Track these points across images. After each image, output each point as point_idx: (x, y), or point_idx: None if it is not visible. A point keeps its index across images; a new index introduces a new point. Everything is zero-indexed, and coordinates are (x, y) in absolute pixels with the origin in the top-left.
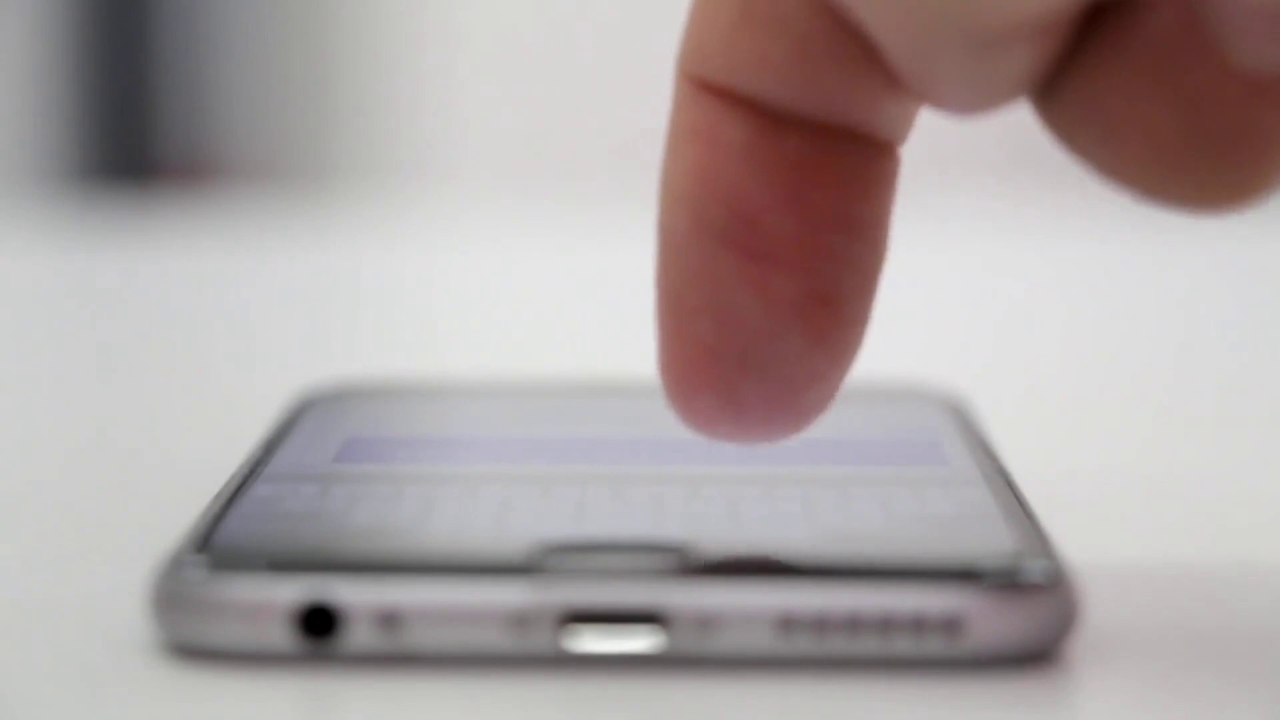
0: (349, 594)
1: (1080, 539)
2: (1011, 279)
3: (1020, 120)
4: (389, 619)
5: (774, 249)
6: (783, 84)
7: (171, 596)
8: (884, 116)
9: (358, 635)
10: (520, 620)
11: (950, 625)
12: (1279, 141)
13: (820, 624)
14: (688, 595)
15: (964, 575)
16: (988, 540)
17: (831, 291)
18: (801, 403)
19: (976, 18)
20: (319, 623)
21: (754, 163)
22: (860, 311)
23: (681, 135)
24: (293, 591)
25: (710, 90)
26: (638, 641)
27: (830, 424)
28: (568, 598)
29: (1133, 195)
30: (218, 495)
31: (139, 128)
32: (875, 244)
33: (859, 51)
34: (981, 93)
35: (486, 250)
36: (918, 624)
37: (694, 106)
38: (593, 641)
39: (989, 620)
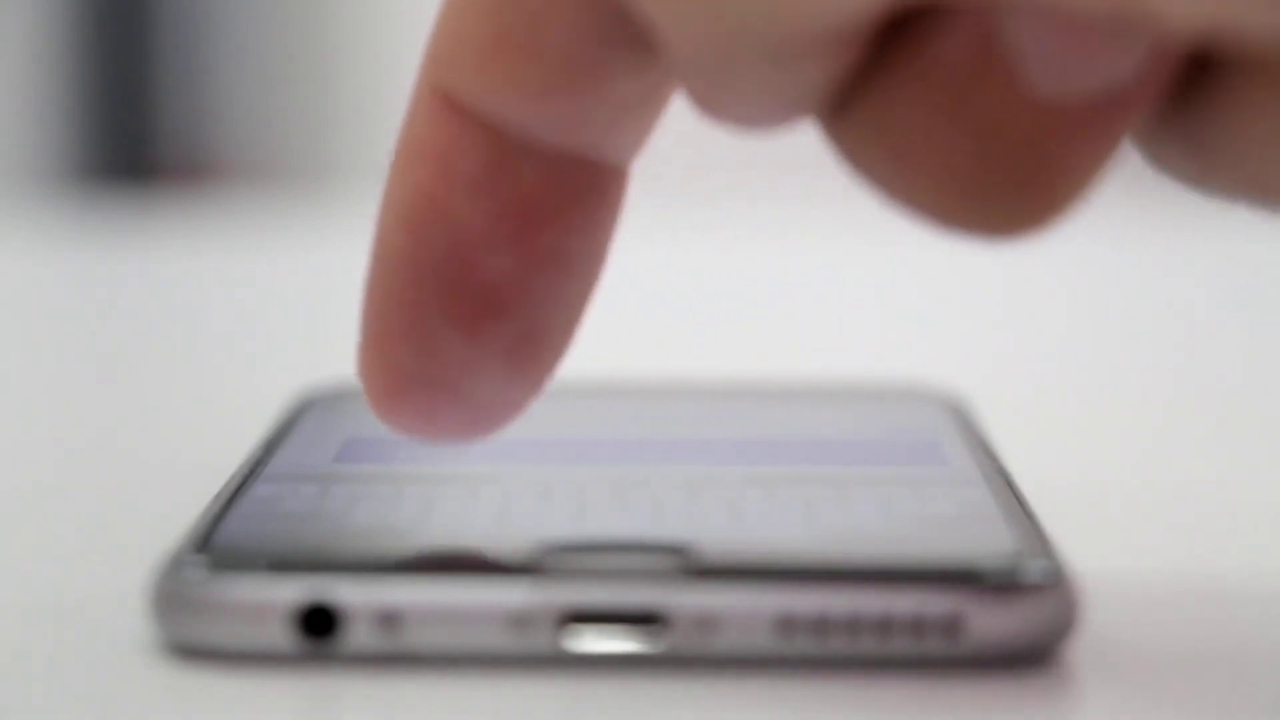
0: (349, 594)
1: (1080, 539)
2: (1011, 279)
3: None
4: (389, 619)
5: (489, 293)
6: (533, 108)
7: (171, 596)
8: (626, 137)
9: (358, 635)
10: (520, 620)
11: (950, 625)
12: (1070, 170)
13: (820, 624)
14: (688, 595)
15: (964, 575)
16: (988, 540)
17: (539, 331)
18: (493, 421)
19: (777, 26)
20: (319, 623)
21: (483, 195)
22: (562, 343)
23: (413, 152)
24: (293, 591)
25: (452, 107)
26: (638, 641)
27: (830, 424)
28: (568, 598)
29: (920, 221)
30: (218, 495)
31: (139, 128)
32: (589, 279)
33: (616, 70)
34: (771, 107)
35: None
36: (917, 624)
37: (431, 122)
38: (593, 641)
39: (989, 620)
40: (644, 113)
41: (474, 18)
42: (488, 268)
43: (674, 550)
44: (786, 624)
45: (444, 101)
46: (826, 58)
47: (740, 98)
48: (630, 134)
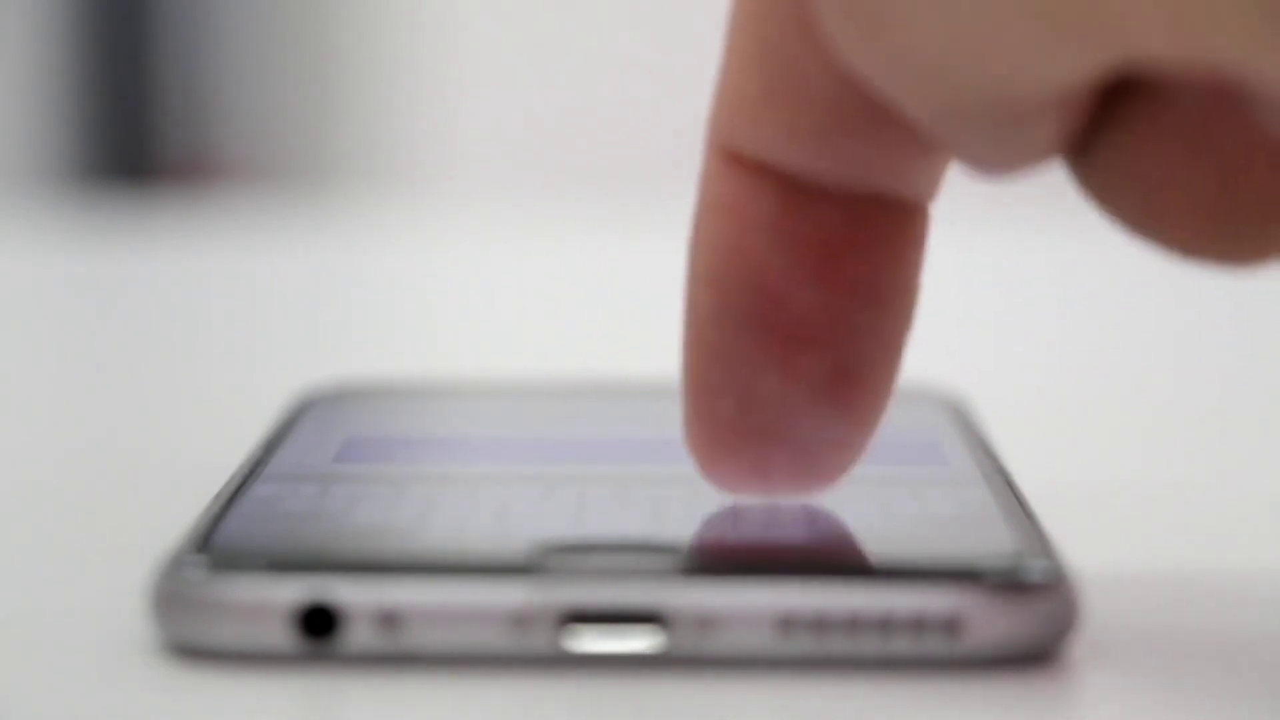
0: (349, 594)
1: (1080, 539)
2: (1011, 279)
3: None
4: (389, 619)
5: (800, 328)
6: (812, 154)
7: (171, 596)
8: (914, 179)
9: (358, 635)
10: (520, 620)
11: (950, 625)
12: None
13: (820, 624)
14: (688, 595)
15: (964, 575)
16: (988, 540)
17: (856, 365)
18: (825, 468)
19: (996, 94)
20: (319, 623)
21: (781, 237)
22: (885, 380)
23: (708, 209)
24: (293, 591)
25: (738, 162)
26: (638, 641)
27: None
28: (568, 598)
29: (1165, 253)
30: (218, 495)
31: (139, 128)
32: (902, 312)
33: (889, 118)
34: (1010, 159)
35: (486, 250)
36: (918, 624)
37: (721, 179)
38: (593, 641)
39: (989, 620)
40: (926, 156)
41: (742, 77)
42: (796, 303)
43: (674, 550)
44: (786, 624)
45: (729, 158)
46: (1052, 118)
47: (980, 154)
48: (917, 175)
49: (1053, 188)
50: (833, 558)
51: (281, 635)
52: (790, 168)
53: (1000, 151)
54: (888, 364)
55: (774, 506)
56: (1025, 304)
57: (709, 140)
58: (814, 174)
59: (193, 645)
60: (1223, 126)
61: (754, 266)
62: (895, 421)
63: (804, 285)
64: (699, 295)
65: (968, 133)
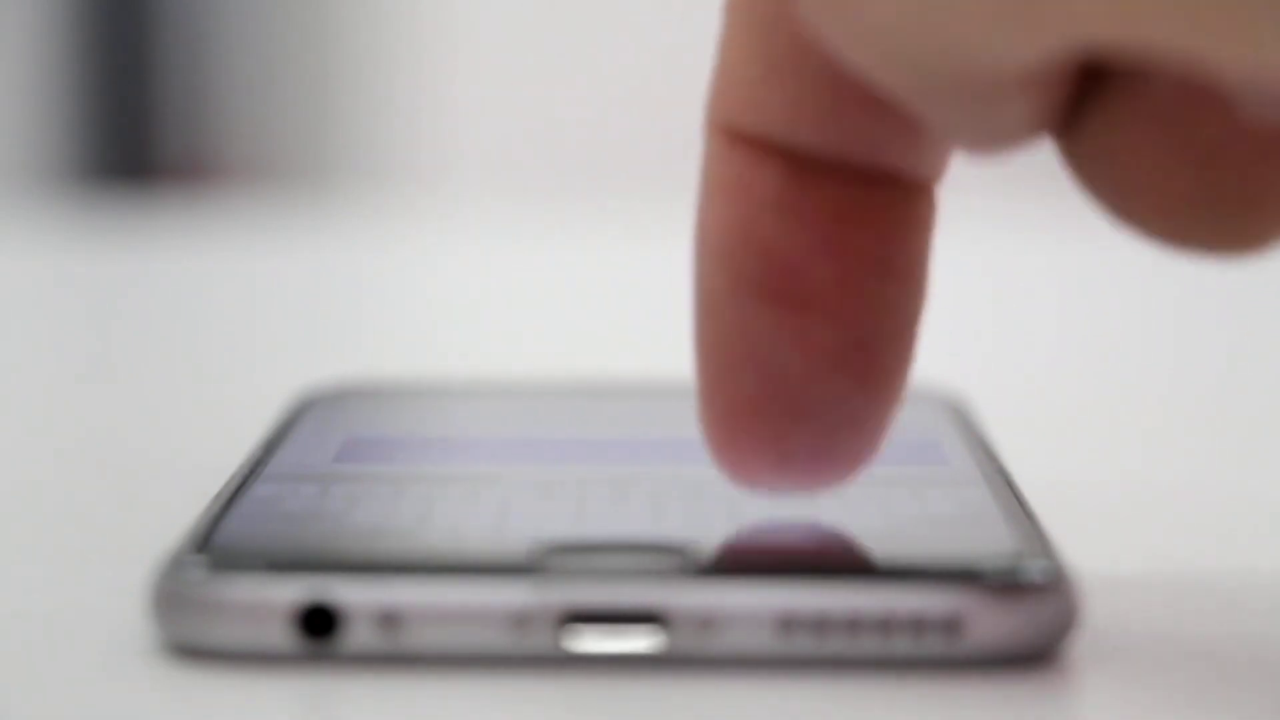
0: (349, 594)
1: (1080, 539)
2: (1011, 279)
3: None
4: (389, 619)
5: (813, 299)
6: (815, 132)
7: (171, 596)
8: (918, 157)
9: (358, 635)
10: (520, 620)
11: (950, 625)
12: None
13: (820, 624)
14: (688, 595)
15: (964, 575)
16: (988, 540)
17: (872, 337)
18: (847, 450)
19: (961, 73)
20: (319, 623)
21: (788, 212)
22: (902, 354)
23: (714, 187)
24: (293, 591)
25: (742, 140)
26: (638, 641)
27: None
28: (568, 598)
29: (1147, 240)
30: (218, 495)
31: (139, 128)
32: (914, 286)
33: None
34: (991, 137)
35: (486, 250)
36: (918, 624)
37: (725, 158)
38: (593, 641)
39: (989, 620)
40: (924, 136)
41: (742, 54)
42: (807, 277)
43: (674, 550)
44: (786, 624)
45: (732, 137)
46: (1025, 98)
47: (962, 132)
48: (921, 153)
49: (1052, 188)
50: (833, 558)
51: (281, 635)
52: (794, 144)
53: (980, 130)
54: (904, 338)
55: (773, 506)
56: (1025, 304)
57: (710, 120)
58: (818, 150)
59: (193, 645)
60: (1201, 112)
61: (765, 242)
62: (895, 421)
63: (816, 258)
64: (711, 275)
65: (945, 111)
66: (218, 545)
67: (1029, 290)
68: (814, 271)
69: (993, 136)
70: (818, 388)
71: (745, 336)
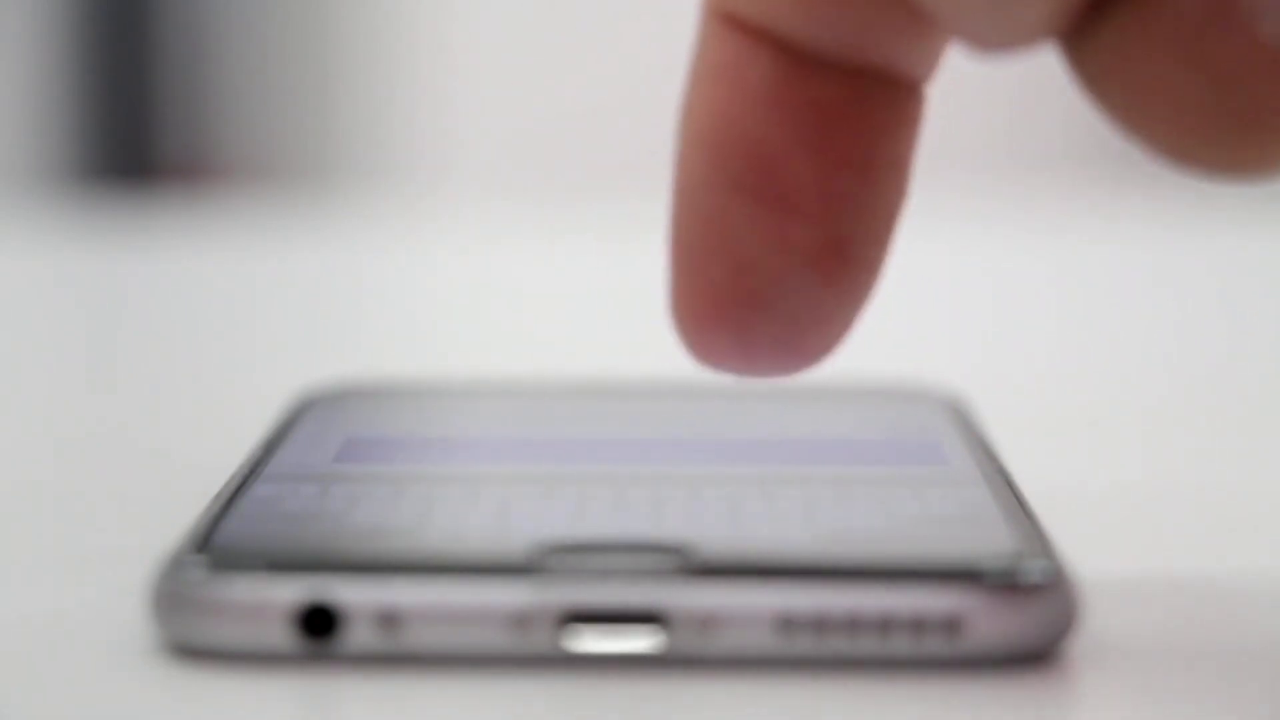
0: (349, 594)
1: (1080, 539)
2: (1011, 279)
3: (1021, 119)
4: (389, 619)
5: (791, 196)
6: (813, 21)
7: (171, 596)
8: (912, 54)
9: (358, 635)
10: (520, 620)
11: (950, 625)
12: None
13: (820, 624)
14: (688, 595)
15: (964, 575)
16: (988, 540)
17: (847, 237)
18: (810, 343)
19: None
20: (319, 623)
21: (777, 105)
22: (875, 256)
23: (704, 74)
24: (293, 591)
25: (737, 26)
26: (638, 641)
27: (830, 424)
28: (568, 598)
29: (1154, 156)
30: (218, 495)
31: (139, 128)
32: (895, 189)
33: None
34: (1005, 33)
35: (486, 250)
36: (917, 624)
37: (719, 44)
38: (593, 641)
39: (989, 620)
40: (926, 31)
41: None
42: (788, 173)
43: (674, 550)
44: (786, 624)
45: (728, 21)
46: None
47: (975, 25)
48: (916, 51)
49: (1054, 186)
50: (833, 558)
51: (281, 635)
52: (789, 34)
53: (992, 27)
54: (879, 241)
55: (774, 506)
56: (1025, 304)
57: (706, 4)
58: (813, 42)
59: (193, 645)
60: (1219, 28)
61: (749, 133)
62: (895, 421)
63: (798, 154)
64: (692, 160)
65: (960, 6)
66: (218, 545)
67: (1028, 290)
68: (795, 168)
69: (1003, 35)
70: (787, 283)
71: (719, 226)
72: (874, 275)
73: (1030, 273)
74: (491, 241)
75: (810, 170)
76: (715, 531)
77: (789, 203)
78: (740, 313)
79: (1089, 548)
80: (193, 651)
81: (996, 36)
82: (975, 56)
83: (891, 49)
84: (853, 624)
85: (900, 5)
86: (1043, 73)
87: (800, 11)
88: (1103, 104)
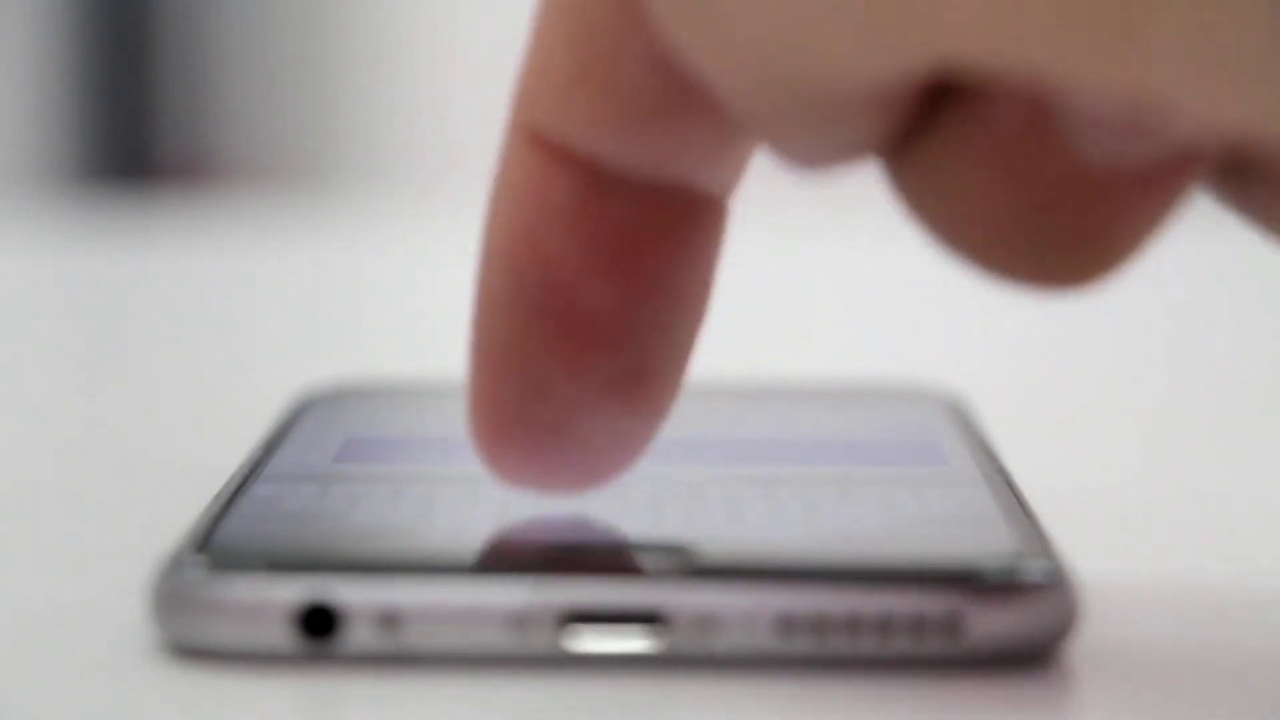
0: (349, 594)
1: (1080, 539)
2: None
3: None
4: (389, 619)
5: (590, 324)
6: (618, 140)
7: (171, 596)
8: (718, 172)
9: (358, 635)
10: (520, 620)
11: (950, 625)
12: (1124, 232)
13: (820, 624)
14: (688, 595)
15: (964, 575)
16: (988, 540)
17: (646, 364)
18: (606, 465)
19: (815, 85)
20: (319, 623)
21: (576, 227)
22: (674, 377)
23: (507, 190)
24: (293, 591)
25: (541, 144)
26: (637, 641)
27: (830, 424)
28: (567, 598)
29: (975, 271)
30: (218, 495)
31: (139, 128)
32: (696, 309)
33: (699, 106)
34: (822, 153)
35: None
36: (917, 624)
37: (522, 159)
38: (593, 641)
39: (989, 620)
40: (733, 147)
41: (554, 56)
42: (588, 300)
43: (674, 550)
44: (786, 624)
45: (532, 138)
46: (870, 116)
47: (794, 146)
48: (721, 167)
49: None
50: (832, 558)
51: (281, 635)
52: (593, 153)
53: (813, 146)
54: (678, 362)
55: (774, 506)
56: (1025, 304)
57: (513, 117)
58: (617, 162)
59: (193, 645)
60: (1040, 149)
61: (549, 255)
62: (895, 421)
63: (597, 281)
64: (491, 279)
65: (781, 123)
66: (218, 545)
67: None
68: (593, 294)
69: (823, 153)
70: (583, 409)
71: (516, 349)
72: (672, 395)
73: None
74: None
75: (609, 296)
76: (714, 532)
77: (587, 331)
78: (534, 436)
79: (1089, 548)
80: (193, 651)
81: (815, 156)
82: (792, 173)
83: (695, 167)
84: (852, 624)
85: (707, 124)
86: None
87: (607, 134)
88: (921, 218)
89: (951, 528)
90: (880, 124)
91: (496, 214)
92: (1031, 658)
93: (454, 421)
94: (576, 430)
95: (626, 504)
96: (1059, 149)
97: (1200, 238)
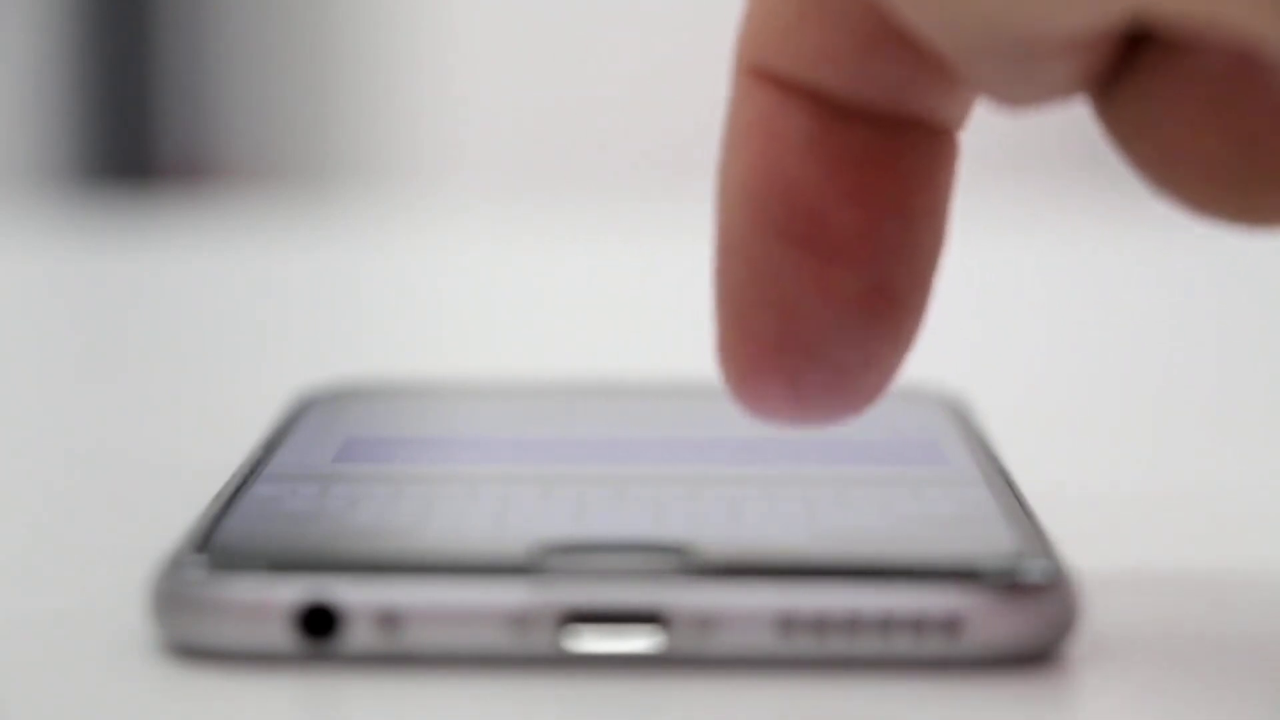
0: (349, 594)
1: (1080, 539)
2: (1012, 279)
3: (1022, 119)
4: (389, 619)
5: (835, 244)
6: (846, 75)
7: (171, 596)
8: (945, 104)
9: (358, 635)
10: (520, 620)
11: (950, 625)
12: None
13: (820, 624)
14: (688, 595)
15: (964, 575)
16: (988, 540)
17: (892, 282)
18: (859, 388)
19: (1010, 32)
20: (319, 623)
21: (815, 155)
22: (920, 299)
23: (740, 129)
24: (293, 591)
25: (770, 81)
26: (638, 641)
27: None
28: (568, 598)
29: (1181, 209)
30: (218, 495)
31: (139, 128)
32: (935, 232)
33: (919, 46)
34: (1030, 94)
35: (486, 250)
36: (918, 624)
37: (753, 99)
38: (593, 641)
39: (989, 620)
40: (955, 84)
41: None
42: (831, 221)
43: (674, 550)
44: (787, 624)
45: (762, 77)
46: (1072, 59)
47: (999, 87)
48: (947, 100)
49: (1054, 187)
50: (833, 558)
51: (281, 635)
52: (823, 87)
53: (1021, 87)
54: (922, 285)
55: (774, 506)
56: (1025, 304)
57: (739, 60)
58: (846, 94)
59: (193, 645)
60: (1245, 89)
61: (790, 184)
62: (895, 421)
63: (840, 202)
64: (733, 213)
65: (989, 68)
66: (218, 545)
67: (1029, 290)
68: (837, 217)
69: (1028, 93)
70: (835, 330)
71: (765, 277)
72: (919, 319)
73: (1031, 273)
74: (492, 241)
75: (852, 217)
76: (715, 531)
77: (833, 249)
78: (789, 361)
79: (1089, 548)
80: (193, 651)
81: (1023, 95)
82: (1003, 112)
83: (924, 101)
84: (853, 624)
85: (931, 64)
86: None
87: (834, 67)
88: (1129, 157)
89: (952, 527)
90: (1085, 64)
91: (732, 153)
92: (1032, 657)
93: (454, 421)
94: (830, 353)
95: (626, 504)
96: (1265, 89)
97: (1200, 238)
